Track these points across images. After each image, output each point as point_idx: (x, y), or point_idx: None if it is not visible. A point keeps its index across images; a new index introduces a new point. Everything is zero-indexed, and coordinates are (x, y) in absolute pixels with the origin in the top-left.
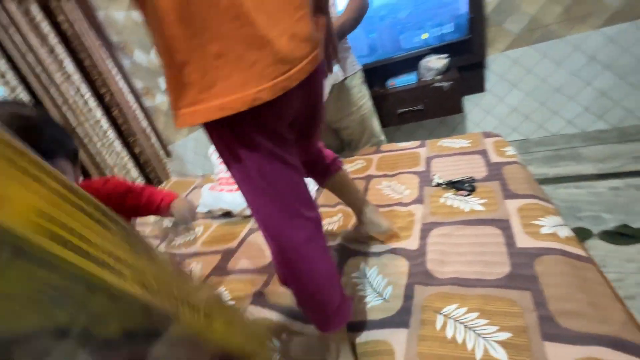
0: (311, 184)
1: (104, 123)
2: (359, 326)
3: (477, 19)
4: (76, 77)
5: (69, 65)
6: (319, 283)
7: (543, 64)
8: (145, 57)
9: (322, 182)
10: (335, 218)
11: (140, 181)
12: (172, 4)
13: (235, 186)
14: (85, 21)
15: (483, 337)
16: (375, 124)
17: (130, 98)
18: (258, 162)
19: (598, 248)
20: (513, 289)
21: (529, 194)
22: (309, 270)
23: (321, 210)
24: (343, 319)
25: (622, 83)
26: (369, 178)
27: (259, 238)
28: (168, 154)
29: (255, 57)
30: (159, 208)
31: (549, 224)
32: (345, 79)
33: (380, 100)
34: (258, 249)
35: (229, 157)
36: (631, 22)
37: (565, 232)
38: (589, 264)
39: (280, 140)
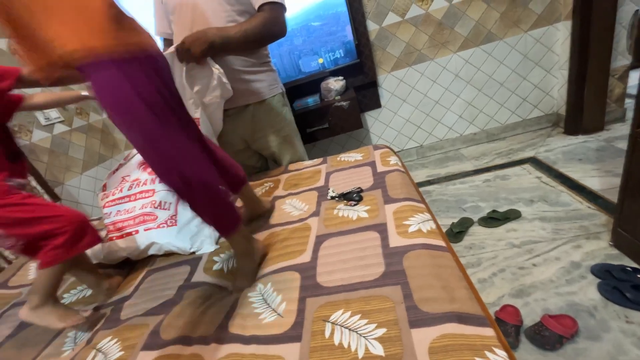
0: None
1: None
2: (254, 341)
3: (363, 45)
4: None
5: None
6: (220, 191)
7: (422, 81)
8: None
9: (237, 191)
10: None
11: None
12: None
13: (126, 230)
14: None
15: (364, 337)
16: (298, 145)
17: None
18: None
19: (477, 233)
20: (386, 286)
21: (402, 197)
22: (212, 184)
23: None
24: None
25: (481, 94)
26: (274, 199)
27: (157, 279)
28: (55, 197)
29: None
30: None
31: (415, 221)
32: (264, 101)
33: None
34: (156, 289)
35: None
36: (478, 47)
37: (427, 226)
38: (444, 252)
39: None
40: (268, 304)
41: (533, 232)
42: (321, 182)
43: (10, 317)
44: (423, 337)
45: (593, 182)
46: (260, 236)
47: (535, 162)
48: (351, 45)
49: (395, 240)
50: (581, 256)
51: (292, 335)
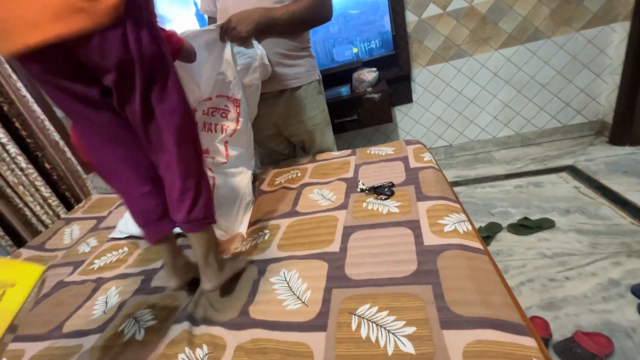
0: None
1: (3, 136)
2: (277, 327)
3: (400, 36)
4: None
5: None
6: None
7: (458, 78)
8: None
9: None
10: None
11: (53, 200)
12: None
13: None
14: None
15: (392, 333)
16: (329, 135)
17: (36, 108)
18: None
19: (506, 239)
20: (417, 284)
21: (437, 196)
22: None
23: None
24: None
25: (520, 96)
26: (301, 187)
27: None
28: (88, 169)
29: None
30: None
31: (451, 221)
32: (300, 86)
33: None
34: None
35: None
36: (522, 45)
37: (464, 227)
38: (481, 255)
39: None
40: (292, 291)
41: (567, 243)
42: (350, 174)
43: (47, 277)
44: (456, 340)
45: (639, 198)
46: (287, 223)
47: (573, 171)
48: (388, 36)
49: (430, 239)
50: (621, 274)
51: (317, 324)
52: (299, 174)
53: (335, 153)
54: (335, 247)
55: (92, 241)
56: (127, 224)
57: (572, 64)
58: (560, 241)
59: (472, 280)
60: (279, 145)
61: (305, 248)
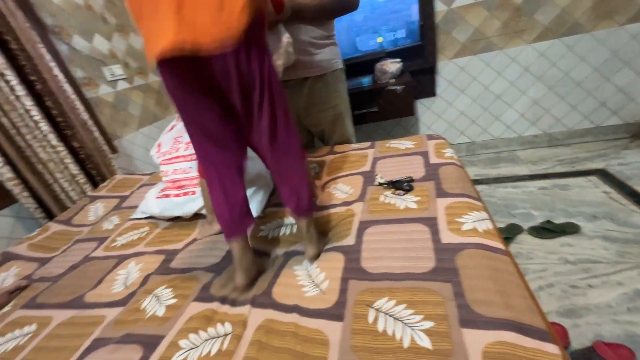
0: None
1: (36, 114)
2: (296, 310)
3: (427, 26)
4: (0, 61)
5: None
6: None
7: (486, 72)
8: (86, 44)
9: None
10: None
11: (81, 178)
12: None
13: (184, 190)
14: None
15: (410, 327)
16: (349, 125)
17: (67, 87)
18: None
19: (526, 242)
20: (436, 281)
21: (458, 193)
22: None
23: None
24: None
25: (551, 93)
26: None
27: (204, 241)
28: (113, 149)
29: None
30: None
31: (470, 220)
32: (324, 75)
33: None
34: (206, 249)
35: None
36: (558, 39)
37: (484, 226)
38: (502, 255)
39: None
40: (312, 279)
41: (593, 250)
42: (367, 167)
43: (73, 250)
44: (476, 339)
45: None
46: None
47: (604, 175)
48: (415, 25)
49: (447, 237)
50: None
51: (334, 313)
52: (317, 169)
53: (354, 145)
54: (350, 240)
55: (115, 219)
56: (147, 205)
57: (612, 61)
58: (584, 247)
59: (494, 280)
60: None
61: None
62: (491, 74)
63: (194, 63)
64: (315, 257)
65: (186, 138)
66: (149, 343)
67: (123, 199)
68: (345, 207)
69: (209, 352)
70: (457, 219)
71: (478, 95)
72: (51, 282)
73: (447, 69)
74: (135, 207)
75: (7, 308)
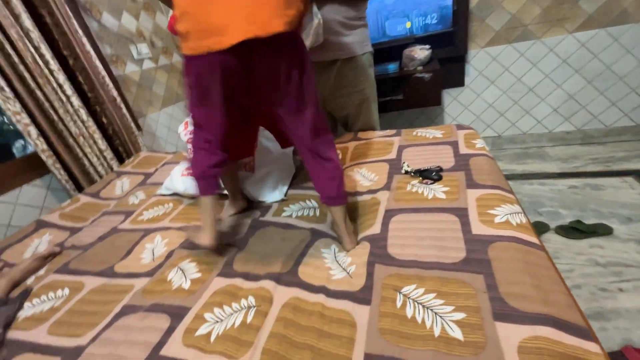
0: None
1: (68, 88)
2: (323, 291)
3: (461, 12)
4: (34, 34)
5: (27, 20)
6: None
7: (520, 63)
8: (115, 22)
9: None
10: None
11: (108, 153)
12: None
13: None
14: None
15: (440, 316)
16: (374, 111)
17: (98, 64)
18: None
19: (553, 241)
20: (467, 272)
21: (490, 185)
22: None
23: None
24: None
25: (590, 87)
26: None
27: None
28: (139, 127)
29: None
30: None
31: (503, 212)
32: (353, 57)
33: None
34: (227, 226)
35: None
36: (603, 29)
37: (517, 219)
38: (537, 250)
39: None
40: (338, 263)
41: (625, 254)
42: (393, 155)
43: (101, 222)
44: (511, 334)
45: None
46: None
47: None
48: (448, 10)
49: (478, 228)
50: None
51: (361, 296)
52: (340, 155)
53: (379, 132)
54: (376, 229)
55: (141, 194)
56: (172, 182)
57: None
58: (616, 250)
59: (529, 275)
60: None
61: None
62: (525, 65)
63: (245, 60)
64: (352, 249)
65: None
66: (176, 314)
67: (147, 175)
68: (370, 196)
69: (233, 324)
70: (488, 211)
71: (509, 87)
72: (82, 250)
73: (477, 58)
74: (159, 184)
75: (41, 272)
